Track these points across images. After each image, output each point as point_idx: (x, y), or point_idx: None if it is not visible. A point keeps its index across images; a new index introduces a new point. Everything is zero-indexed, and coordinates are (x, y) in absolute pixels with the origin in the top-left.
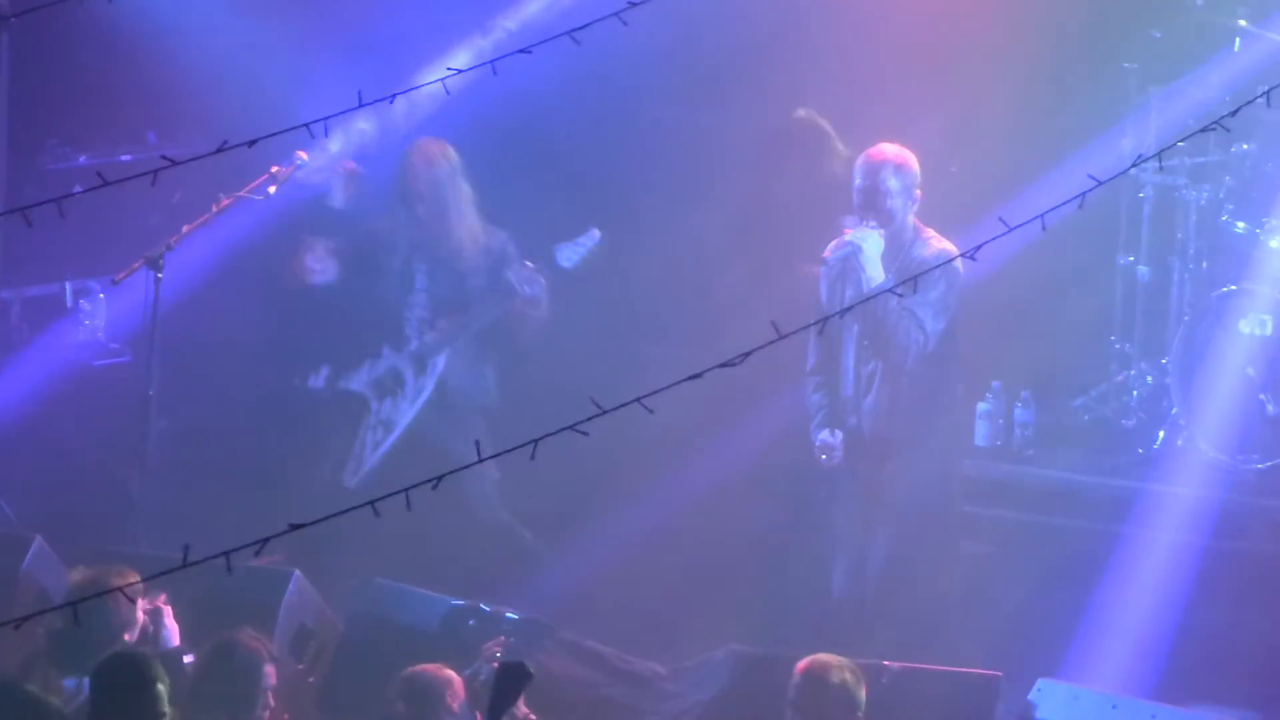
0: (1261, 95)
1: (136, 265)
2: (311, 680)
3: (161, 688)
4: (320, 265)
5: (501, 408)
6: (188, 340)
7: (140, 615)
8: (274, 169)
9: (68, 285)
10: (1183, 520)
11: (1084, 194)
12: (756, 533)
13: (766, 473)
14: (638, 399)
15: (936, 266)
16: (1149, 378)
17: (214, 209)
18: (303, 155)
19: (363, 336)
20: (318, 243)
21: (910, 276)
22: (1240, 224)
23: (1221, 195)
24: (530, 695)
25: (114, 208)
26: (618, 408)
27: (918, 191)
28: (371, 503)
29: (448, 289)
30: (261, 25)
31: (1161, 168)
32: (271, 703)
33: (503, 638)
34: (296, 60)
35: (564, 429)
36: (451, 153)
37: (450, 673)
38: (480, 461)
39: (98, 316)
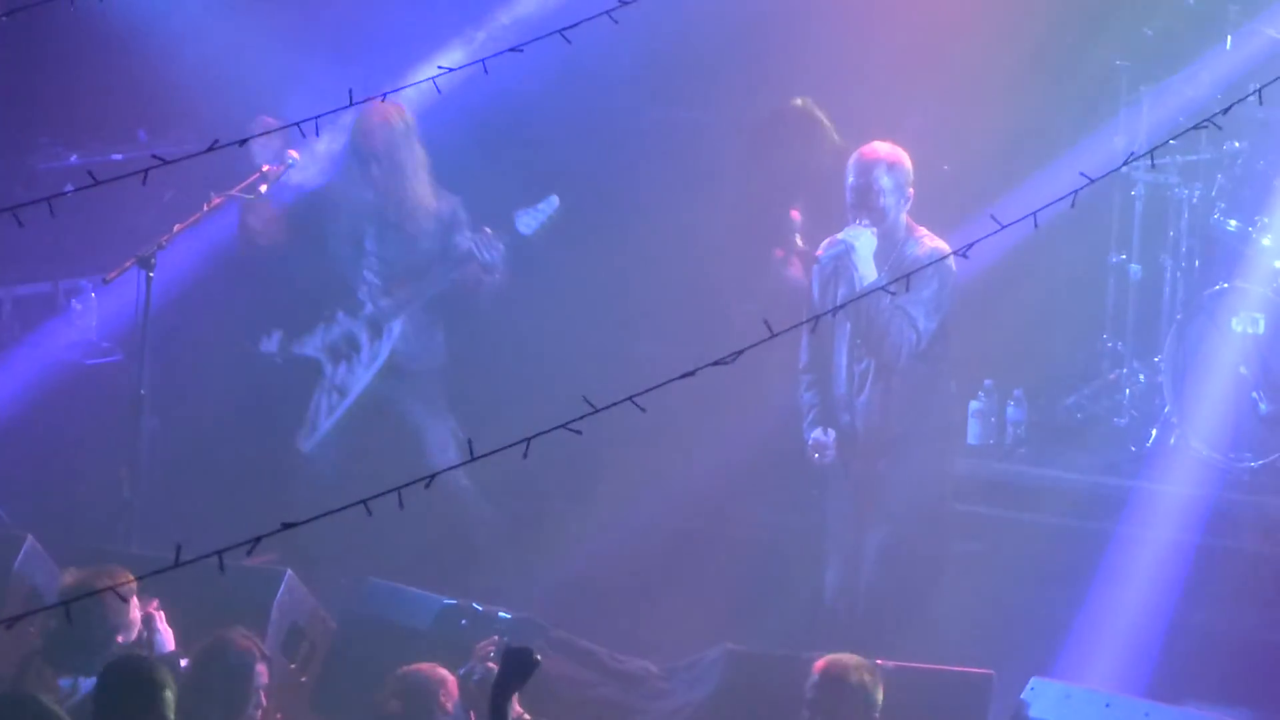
0: (1253, 93)
1: (128, 264)
2: (304, 679)
3: (169, 695)
4: (264, 226)
5: (452, 369)
6: (179, 339)
7: (135, 616)
8: (265, 168)
9: (59, 284)
10: (1175, 518)
11: (1076, 192)
12: (749, 531)
13: (759, 471)
14: (630, 397)
15: (929, 265)
16: (1141, 376)
17: (205, 208)
18: (294, 154)
19: (313, 300)
20: (262, 204)
21: (903, 275)
22: (1232, 222)
23: (1213, 193)
24: (523, 695)
25: (105, 207)
26: (610, 406)
27: (910, 190)
28: (365, 501)
29: (397, 252)
30: (252, 24)
31: (1154, 166)
32: (264, 702)
33: (496, 637)
34: (287, 59)
35: (557, 428)
36: (407, 114)
37: (444, 672)
38: (475, 460)
39: (89, 315)
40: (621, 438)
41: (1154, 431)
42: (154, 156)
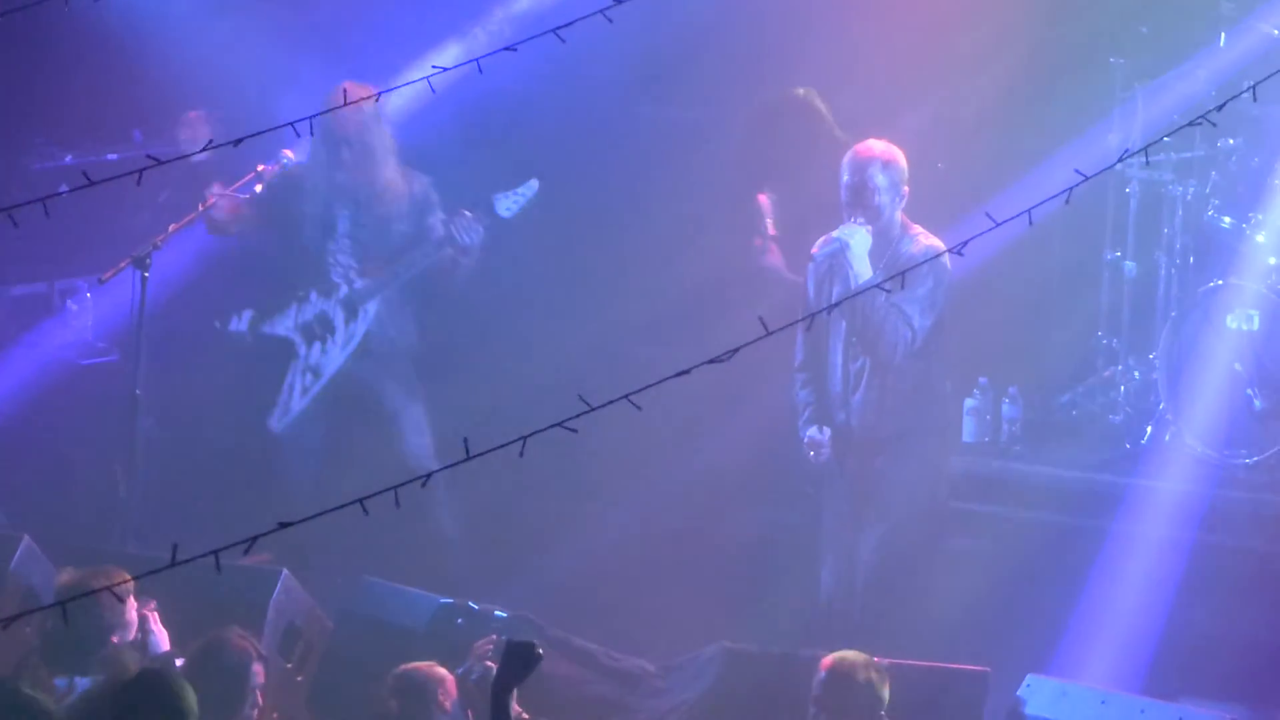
0: (1247, 90)
1: (123, 264)
2: (300, 679)
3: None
4: (228, 217)
5: (422, 350)
6: (174, 339)
7: (131, 616)
8: (260, 167)
9: (55, 284)
10: (1171, 515)
11: (1071, 189)
12: (745, 529)
13: (755, 469)
14: (626, 395)
15: (924, 262)
16: (1136, 373)
17: (200, 208)
18: (289, 154)
19: (286, 280)
20: (226, 196)
21: (898, 273)
22: (1226, 219)
23: (1208, 190)
24: (520, 693)
25: (100, 207)
26: (606, 404)
27: (905, 188)
28: (360, 500)
29: (371, 234)
30: (246, 24)
31: (1148, 163)
32: (260, 701)
33: (494, 636)
34: (281, 59)
35: (552, 426)
36: (373, 94)
37: (442, 671)
38: (470, 459)
39: (85, 315)
40: (617, 436)
41: (1149, 428)
42: (149, 157)
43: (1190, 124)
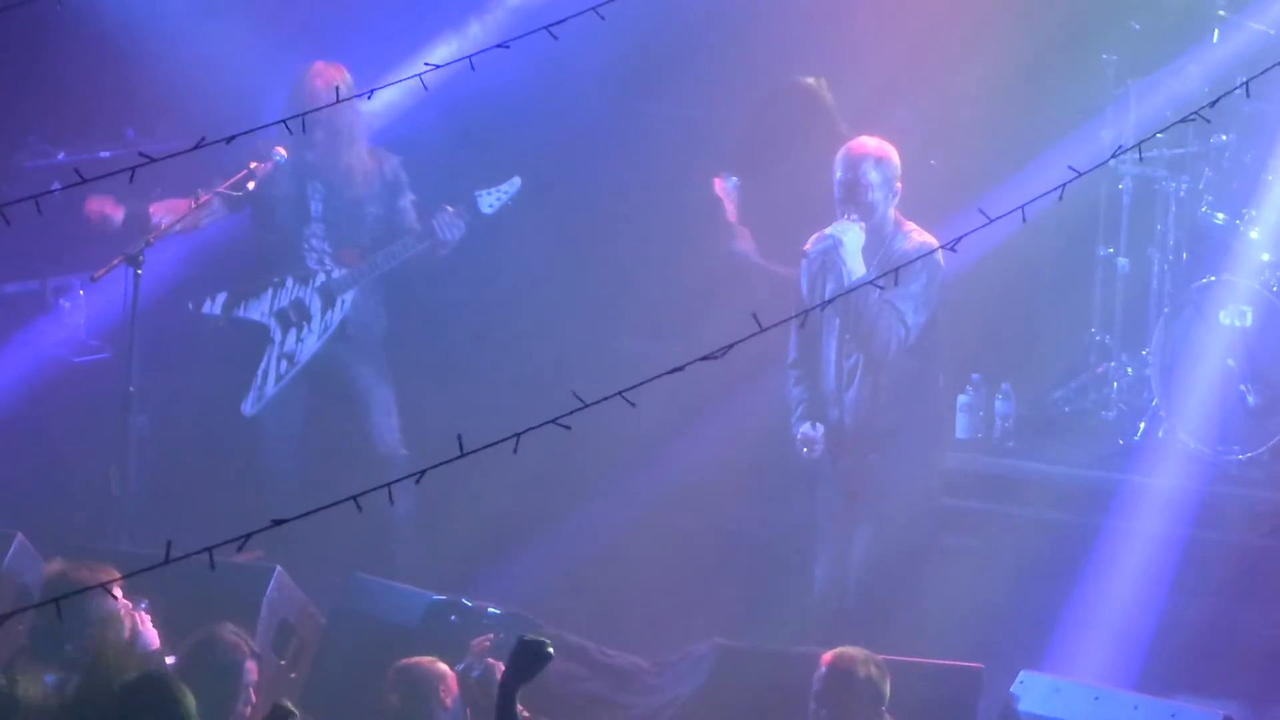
0: (1240, 86)
1: (116, 262)
2: (294, 676)
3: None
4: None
5: (392, 334)
6: (167, 336)
7: (120, 613)
8: (252, 164)
9: (47, 282)
10: (1164, 511)
11: (1063, 185)
12: (738, 526)
13: (747, 466)
14: (620, 392)
15: (917, 259)
16: (1129, 369)
17: (193, 205)
18: (281, 151)
19: (261, 264)
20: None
21: (891, 269)
22: (1219, 215)
23: (1201, 186)
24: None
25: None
26: (599, 401)
27: (898, 185)
28: (355, 497)
29: (344, 217)
30: (239, 22)
31: (1141, 159)
32: (254, 699)
33: (492, 634)
34: (274, 57)
35: (546, 423)
36: (348, 77)
37: (444, 667)
38: (464, 456)
39: (77, 313)
40: (611, 432)
41: (1142, 425)
42: (141, 154)
43: (1183, 120)
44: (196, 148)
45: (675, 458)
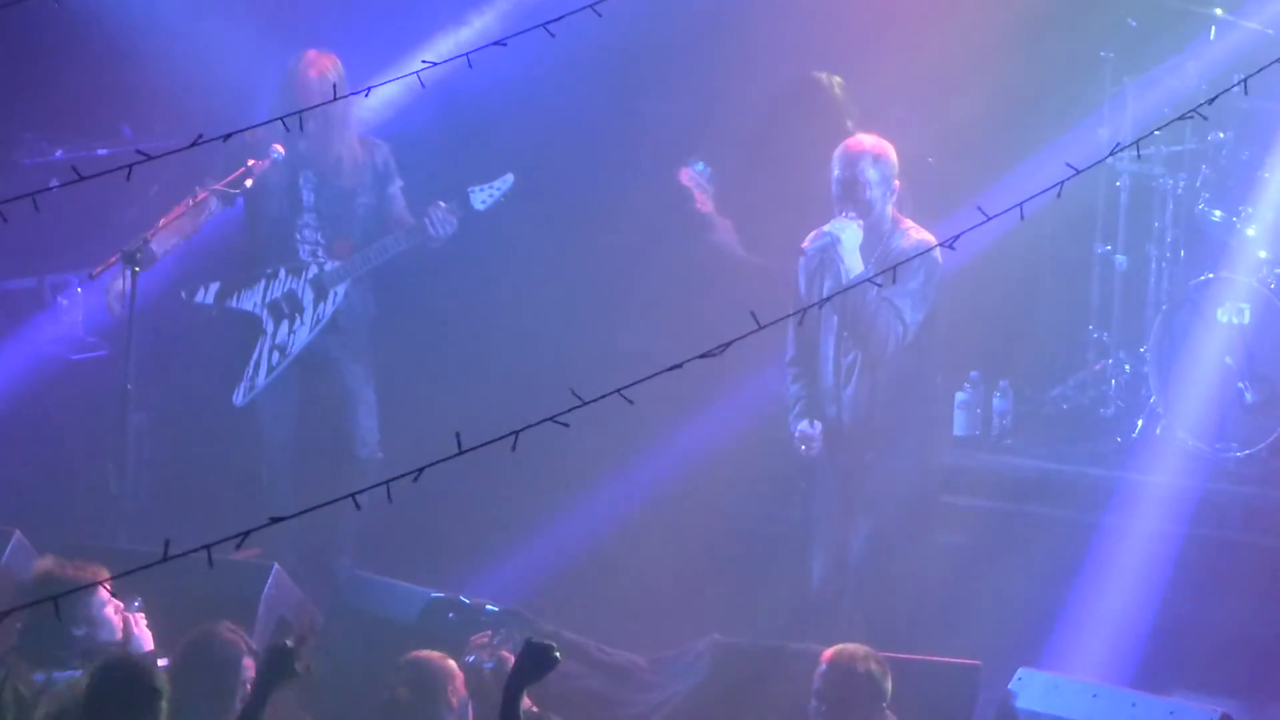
0: (1238, 84)
1: (113, 259)
2: None
3: (164, 705)
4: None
5: (388, 332)
6: (165, 334)
7: (109, 611)
8: (250, 162)
9: (45, 280)
10: (1161, 509)
11: (1062, 183)
12: (735, 523)
13: (745, 463)
14: (618, 390)
15: (915, 256)
16: (1127, 366)
17: (190, 202)
18: (279, 148)
19: (254, 254)
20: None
21: (889, 267)
22: (1217, 212)
23: (1198, 184)
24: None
25: (90, 202)
26: (597, 399)
27: (896, 182)
28: (353, 495)
29: (335, 206)
30: (236, 19)
31: (1139, 156)
32: None
33: (490, 632)
34: (271, 54)
35: (543, 420)
36: (339, 65)
37: (453, 664)
38: (461, 454)
39: (75, 311)
40: (607, 428)
41: (1140, 422)
42: (138, 152)
43: (1181, 118)
44: (193, 145)
45: (673, 455)
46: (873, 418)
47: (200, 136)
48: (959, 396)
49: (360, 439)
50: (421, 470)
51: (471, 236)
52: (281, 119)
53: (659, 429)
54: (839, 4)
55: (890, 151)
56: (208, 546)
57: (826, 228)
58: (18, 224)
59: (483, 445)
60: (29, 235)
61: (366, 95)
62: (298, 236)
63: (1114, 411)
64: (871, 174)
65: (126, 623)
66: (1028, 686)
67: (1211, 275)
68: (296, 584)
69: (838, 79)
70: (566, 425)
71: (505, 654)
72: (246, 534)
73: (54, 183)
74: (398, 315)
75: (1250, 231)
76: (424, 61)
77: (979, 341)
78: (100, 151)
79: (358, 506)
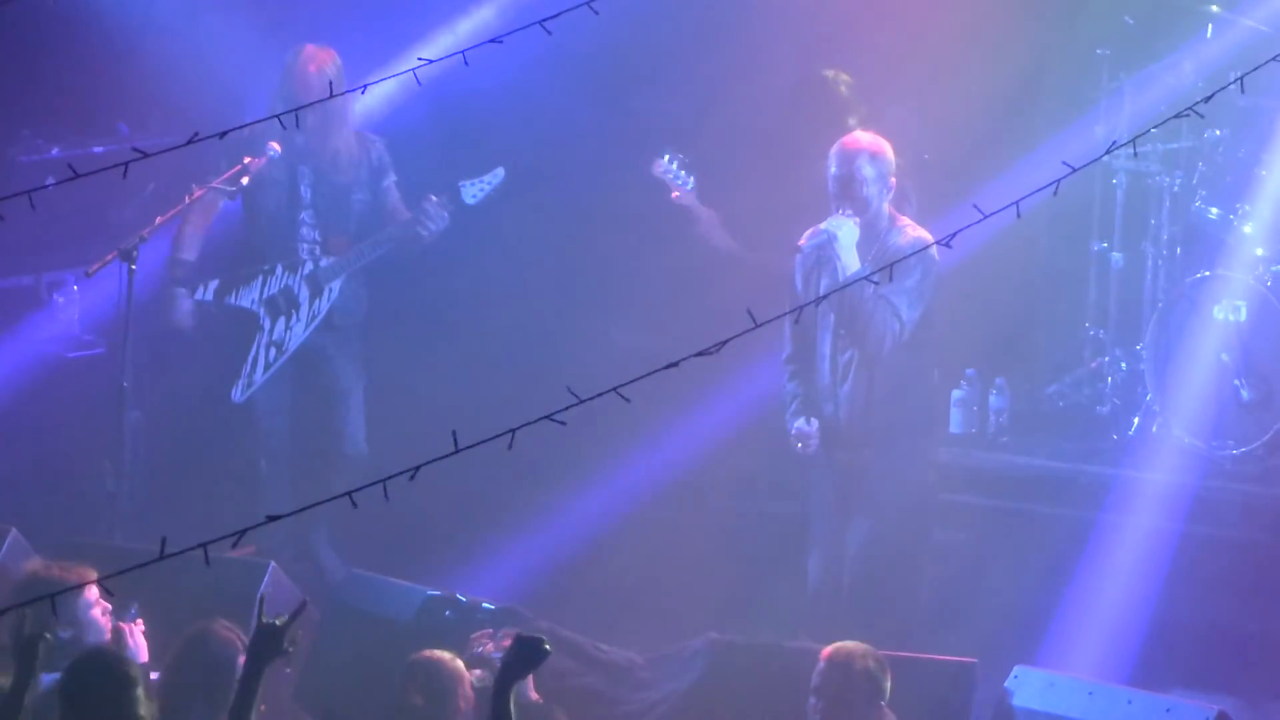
0: (1234, 81)
1: (110, 257)
2: (287, 670)
3: (140, 693)
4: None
5: (385, 330)
6: (162, 332)
7: (95, 614)
8: (247, 160)
9: (41, 277)
10: (1158, 506)
11: (1058, 181)
12: (732, 521)
13: (742, 461)
14: (614, 388)
15: (912, 254)
16: (1123, 364)
17: (187, 200)
18: (275, 146)
19: (253, 250)
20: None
21: (886, 264)
22: (1214, 210)
23: (1195, 181)
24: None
25: (87, 200)
26: (595, 397)
27: (892, 180)
28: (349, 493)
29: (331, 203)
30: (232, 17)
31: (1136, 154)
32: None
33: (490, 630)
34: (268, 51)
35: (540, 419)
36: (338, 60)
37: (462, 665)
38: (458, 452)
39: (71, 308)
40: (604, 427)
41: (1136, 419)
42: (135, 149)
43: (1178, 115)
44: (189, 143)
45: (670, 452)
46: (869, 415)
47: (196, 134)
48: (955, 394)
49: (349, 435)
50: (418, 469)
51: (467, 233)
52: (278, 116)
53: (655, 426)
54: (835, 2)
55: (887, 149)
56: (204, 545)
57: (823, 225)
58: (14, 222)
59: (479, 444)
60: (25, 233)
61: (363, 92)
62: (297, 233)
63: (1110, 409)
64: (868, 171)
65: (120, 631)
66: (1024, 684)
67: (1208, 273)
68: (292, 581)
69: (845, 76)
70: (563, 424)
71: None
72: (243, 532)
73: (50, 180)
74: (392, 312)
75: (1247, 229)
76: (420, 59)
77: (976, 339)
78: (97, 149)
79: (354, 505)
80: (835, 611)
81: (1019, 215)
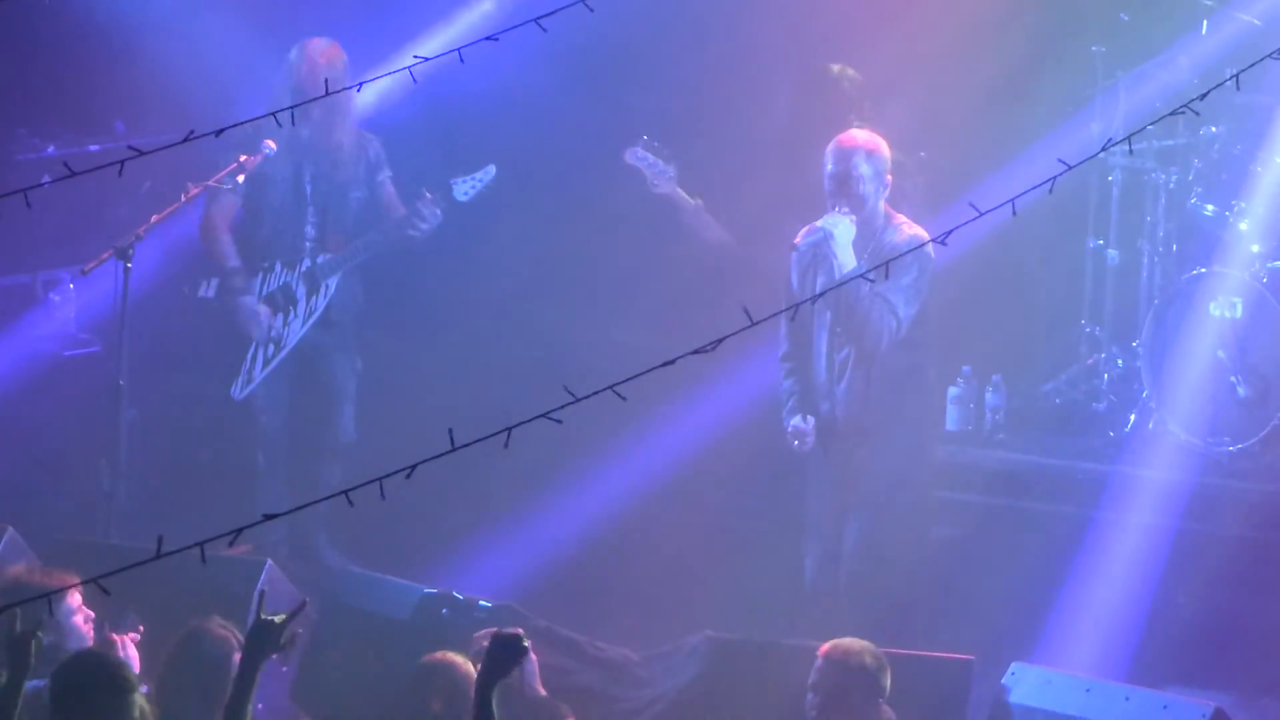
0: (1230, 78)
1: (106, 255)
2: (284, 669)
3: (136, 698)
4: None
5: (381, 329)
6: (158, 330)
7: (77, 620)
8: (242, 158)
9: (37, 276)
10: (1154, 503)
11: (1054, 178)
12: (729, 519)
13: (738, 459)
14: (611, 386)
15: (908, 252)
16: (1119, 361)
17: (183, 198)
18: (271, 144)
19: (256, 248)
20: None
21: (882, 262)
22: (1209, 207)
23: (1190, 178)
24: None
25: (83, 198)
26: (591, 395)
27: (889, 177)
28: (346, 492)
29: (330, 201)
30: (229, 15)
31: (1131, 151)
32: None
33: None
34: (264, 49)
35: (536, 417)
36: (343, 53)
37: (472, 667)
38: (454, 450)
39: (67, 307)
40: (600, 424)
41: (1132, 416)
42: (130, 148)
43: (1173, 113)
44: (186, 141)
45: (666, 450)
46: (866, 413)
47: (192, 132)
48: (952, 391)
49: (341, 427)
50: (414, 467)
51: (463, 230)
52: (272, 115)
53: (652, 424)
54: (833, 1)
55: (883, 146)
56: (201, 544)
57: (819, 223)
58: (10, 220)
59: (476, 442)
60: (21, 231)
61: (359, 90)
62: (301, 230)
63: (1106, 406)
64: (864, 169)
65: (111, 643)
66: (1021, 681)
67: (1204, 270)
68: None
69: (850, 71)
70: (559, 422)
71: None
72: (239, 531)
73: (46, 179)
74: (389, 308)
75: (1243, 226)
76: (415, 56)
77: (971, 336)
78: (92, 147)
79: (351, 504)
80: (832, 609)
81: (1015, 213)
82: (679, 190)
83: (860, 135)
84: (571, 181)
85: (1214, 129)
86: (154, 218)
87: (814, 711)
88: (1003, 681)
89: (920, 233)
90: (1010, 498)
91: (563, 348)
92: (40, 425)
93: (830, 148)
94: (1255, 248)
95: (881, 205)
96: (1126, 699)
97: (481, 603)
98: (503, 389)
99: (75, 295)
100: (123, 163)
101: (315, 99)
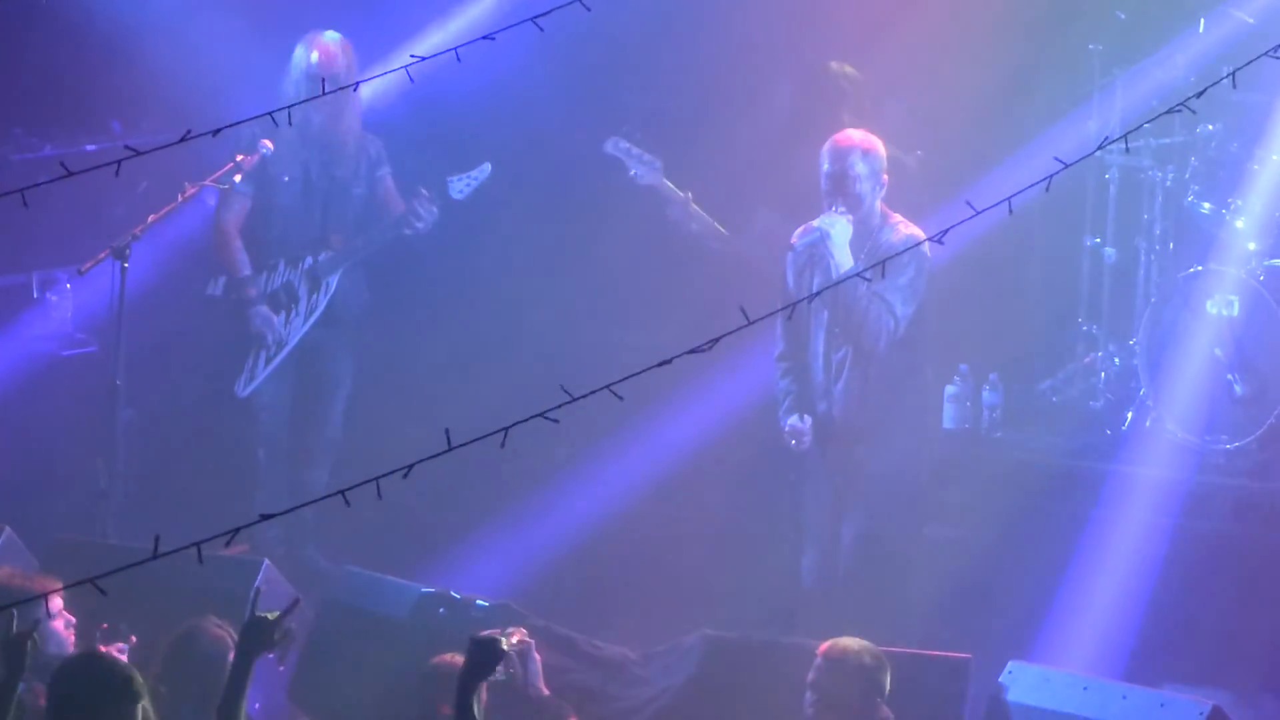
0: (1227, 76)
1: (102, 255)
2: (281, 669)
3: (143, 706)
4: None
5: (378, 328)
6: (154, 330)
7: (61, 626)
8: (239, 157)
9: (34, 276)
10: (1151, 501)
11: (1050, 176)
12: (726, 518)
13: (736, 458)
14: (608, 385)
15: (905, 251)
16: (1116, 359)
17: (179, 198)
18: (268, 144)
19: (263, 245)
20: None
21: (879, 261)
22: (1206, 205)
23: (1187, 176)
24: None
25: (79, 198)
26: (587, 395)
27: (885, 177)
28: (342, 492)
29: (333, 197)
30: (226, 15)
31: (1128, 149)
32: None
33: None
34: (262, 49)
35: (533, 416)
36: (350, 49)
37: None
38: (452, 449)
39: (64, 307)
40: (597, 423)
41: (1129, 414)
42: (127, 147)
43: (1170, 111)
44: (182, 140)
45: (663, 449)
46: (863, 412)
47: (189, 132)
48: (949, 390)
49: (332, 421)
50: (411, 467)
51: (462, 229)
52: (271, 113)
53: (649, 423)
54: (830, 1)
55: (879, 146)
56: (198, 544)
57: (816, 223)
58: (7, 220)
59: (473, 441)
60: (18, 231)
61: (356, 89)
62: (305, 228)
63: (1104, 404)
64: (861, 168)
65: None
66: (1018, 680)
67: (1201, 267)
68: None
69: (849, 69)
70: (556, 421)
71: (525, 640)
72: (236, 531)
73: (43, 179)
74: (388, 307)
75: (1239, 224)
76: (412, 56)
77: (968, 335)
78: (89, 147)
79: (348, 504)
80: (829, 608)
81: (1011, 211)
82: (666, 182)
83: (856, 135)
84: (567, 179)
85: (1211, 127)
86: (151, 218)
87: (812, 710)
88: (1000, 680)
89: (917, 232)
90: (1007, 496)
91: (559, 346)
92: (37, 425)
93: (826, 147)
94: (1252, 245)
95: (878, 204)
96: (1124, 697)
97: (479, 602)
98: (499, 388)
99: (72, 295)
100: (120, 162)
101: (323, 95)
